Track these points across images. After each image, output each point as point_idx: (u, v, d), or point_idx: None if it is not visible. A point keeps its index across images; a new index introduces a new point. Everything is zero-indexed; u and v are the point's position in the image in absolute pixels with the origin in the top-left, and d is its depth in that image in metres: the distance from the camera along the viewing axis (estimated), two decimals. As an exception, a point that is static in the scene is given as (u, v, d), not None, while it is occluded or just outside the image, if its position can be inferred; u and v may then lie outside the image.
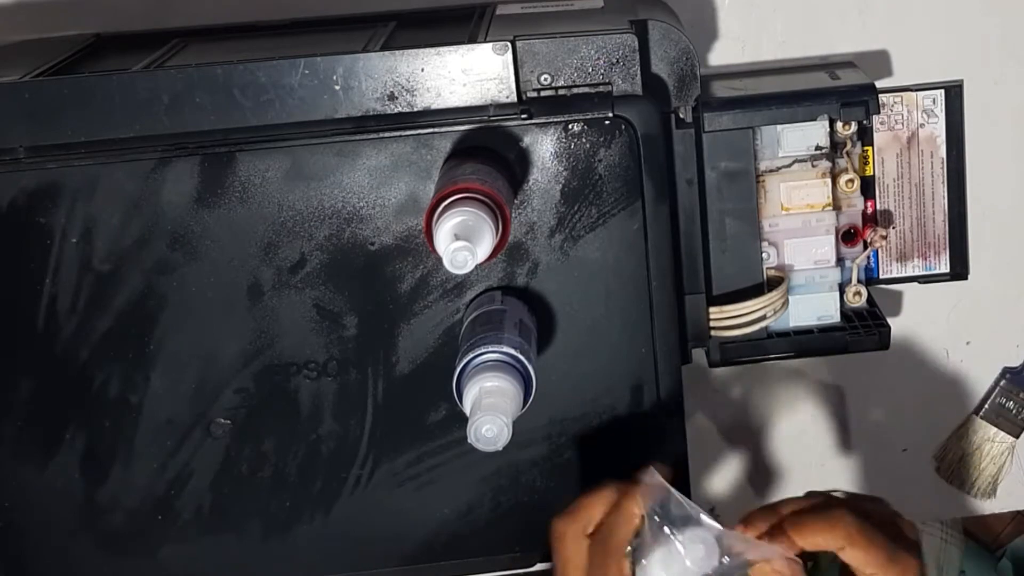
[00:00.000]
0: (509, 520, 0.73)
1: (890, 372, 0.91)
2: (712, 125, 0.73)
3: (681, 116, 0.72)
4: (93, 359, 0.69)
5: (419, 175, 0.67)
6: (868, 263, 0.79)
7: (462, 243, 0.59)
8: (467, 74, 0.67)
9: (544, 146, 0.67)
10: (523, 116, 0.67)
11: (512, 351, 0.64)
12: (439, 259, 0.60)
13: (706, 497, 0.94)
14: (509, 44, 0.67)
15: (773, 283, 0.76)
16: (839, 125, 0.75)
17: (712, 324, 0.75)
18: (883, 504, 0.67)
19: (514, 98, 0.67)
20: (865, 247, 0.78)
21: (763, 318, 0.75)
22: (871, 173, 0.79)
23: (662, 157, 0.68)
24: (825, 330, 0.77)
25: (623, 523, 0.63)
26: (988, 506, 0.94)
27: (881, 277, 0.81)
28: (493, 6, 0.76)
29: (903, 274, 0.81)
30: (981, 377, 0.92)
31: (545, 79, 0.67)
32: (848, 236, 0.77)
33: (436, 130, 0.66)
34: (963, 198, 0.80)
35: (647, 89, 0.68)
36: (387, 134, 0.67)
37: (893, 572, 0.62)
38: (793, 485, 0.95)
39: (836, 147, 0.76)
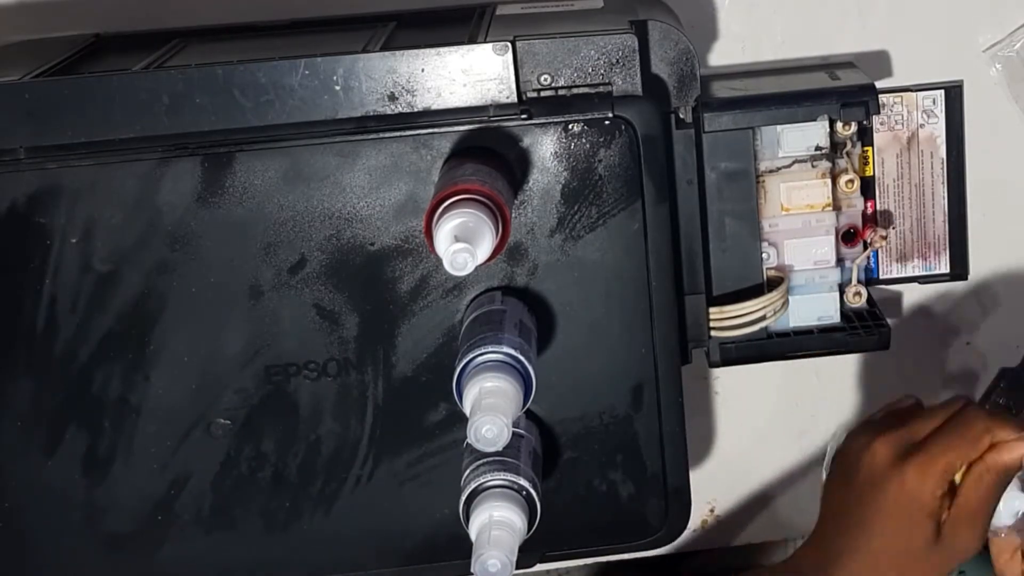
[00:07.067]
0: (509, 520, 0.73)
1: (890, 372, 0.91)
2: (712, 125, 0.73)
3: (681, 116, 0.72)
4: (93, 359, 0.69)
5: (419, 176, 0.67)
6: (868, 263, 0.79)
7: (462, 245, 0.59)
8: (467, 74, 0.67)
9: (544, 146, 0.67)
10: (523, 116, 0.67)
11: (512, 351, 0.64)
12: (439, 260, 0.60)
13: (705, 498, 0.94)
14: (509, 44, 0.67)
15: (773, 283, 0.76)
16: (839, 125, 0.75)
17: (712, 324, 0.75)
18: None
19: (514, 98, 0.67)
20: (865, 247, 0.78)
21: (763, 318, 0.75)
22: (871, 173, 0.79)
23: (662, 157, 0.68)
24: (825, 330, 0.77)
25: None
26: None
27: (881, 277, 0.81)
28: (493, 6, 0.76)
29: (903, 274, 0.81)
30: (981, 377, 0.92)
31: (545, 79, 0.67)
32: (848, 236, 0.77)
33: (436, 130, 0.66)
34: (963, 198, 0.80)
35: (647, 89, 0.68)
36: (387, 134, 0.67)
37: None
38: (792, 485, 0.95)
39: (836, 147, 0.76)
